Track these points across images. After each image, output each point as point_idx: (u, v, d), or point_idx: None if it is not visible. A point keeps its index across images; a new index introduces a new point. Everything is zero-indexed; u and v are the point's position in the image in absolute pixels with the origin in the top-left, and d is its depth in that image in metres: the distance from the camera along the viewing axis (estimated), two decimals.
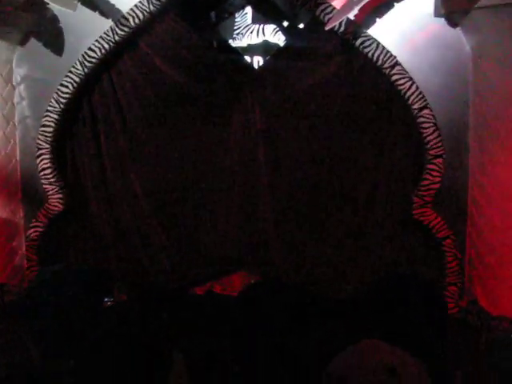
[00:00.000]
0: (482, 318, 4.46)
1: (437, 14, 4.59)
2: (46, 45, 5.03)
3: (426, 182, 4.80)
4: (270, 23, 6.21)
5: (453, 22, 4.58)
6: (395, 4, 4.64)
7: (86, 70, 5.00)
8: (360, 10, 4.40)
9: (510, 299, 4.41)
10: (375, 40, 4.71)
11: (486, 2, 4.10)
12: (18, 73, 5.05)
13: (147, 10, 4.87)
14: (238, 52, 5.58)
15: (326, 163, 5.17)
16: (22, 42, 5.01)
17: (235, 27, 6.34)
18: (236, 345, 1.97)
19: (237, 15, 6.31)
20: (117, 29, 4.92)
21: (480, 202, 4.58)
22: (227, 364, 2.25)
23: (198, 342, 2.37)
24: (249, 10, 6.26)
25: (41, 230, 5.20)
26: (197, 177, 5.36)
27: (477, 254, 4.64)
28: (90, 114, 5.25)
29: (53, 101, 5.03)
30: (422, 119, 4.71)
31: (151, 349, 1.74)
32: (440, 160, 4.74)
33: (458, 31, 4.60)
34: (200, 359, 2.37)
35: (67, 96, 5.03)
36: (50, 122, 5.06)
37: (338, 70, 4.96)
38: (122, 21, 4.90)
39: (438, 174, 4.77)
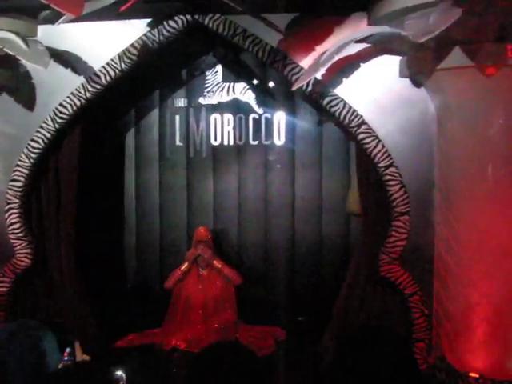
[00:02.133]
0: (449, 375, 4.45)
1: (402, 75, 4.67)
2: (17, 100, 5.04)
3: (392, 239, 4.82)
4: (240, 81, 6.30)
5: (417, 83, 4.67)
6: (361, 64, 4.74)
7: (56, 125, 5.01)
8: (327, 70, 4.46)
9: (476, 356, 4.40)
10: (342, 99, 4.78)
11: (449, 64, 4.18)
12: None
13: (119, 68, 4.91)
14: None
15: None
16: None
17: (206, 85, 6.41)
18: None
19: (208, 73, 6.39)
20: (88, 86, 4.95)
21: (445, 258, 4.59)
22: None
23: None
24: (219, 68, 6.34)
25: (7, 285, 5.12)
26: None
27: (443, 310, 4.64)
28: (55, 169, 5.27)
29: (23, 155, 5.02)
30: (388, 177, 4.75)
31: None
32: (406, 217, 4.77)
33: (423, 91, 4.68)
34: None
35: (37, 151, 5.03)
36: (19, 176, 5.04)
37: None
38: (94, 78, 4.94)
39: (404, 230, 4.79)
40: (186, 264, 6.16)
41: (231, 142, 6.62)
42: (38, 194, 5.33)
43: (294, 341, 5.94)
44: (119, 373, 2.40)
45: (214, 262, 6.14)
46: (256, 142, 6.60)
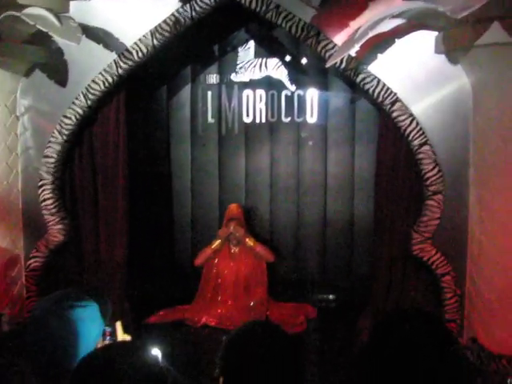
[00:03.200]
0: (481, 356, 4.40)
1: (437, 51, 4.59)
2: (50, 76, 5.04)
3: (425, 218, 4.77)
4: (272, 58, 6.26)
5: (453, 59, 4.58)
6: (396, 41, 4.66)
7: (89, 102, 5.00)
8: (361, 47, 4.38)
9: (509, 337, 4.36)
10: (376, 77, 4.71)
11: (486, 41, 4.09)
12: (22, 104, 5.05)
13: (151, 44, 4.89)
14: None
15: None
16: (27, 74, 5.03)
17: (238, 61, 6.37)
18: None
19: (240, 49, 6.35)
20: (120, 62, 4.94)
21: (480, 238, 4.53)
22: None
23: None
24: (252, 44, 6.30)
25: (41, 260, 5.17)
26: None
27: (477, 291, 4.58)
28: (89, 146, 5.29)
29: (55, 132, 5.03)
30: (421, 155, 4.69)
31: None
32: (440, 196, 4.71)
33: (459, 68, 4.59)
34: None
35: (70, 128, 5.02)
36: (52, 152, 5.06)
37: None
38: (126, 54, 4.92)
39: (437, 210, 4.73)
40: (217, 242, 6.16)
41: (263, 120, 6.60)
42: (72, 170, 5.35)
43: (324, 319, 5.94)
44: (156, 351, 2.41)
45: (247, 239, 6.14)
46: (288, 120, 6.58)
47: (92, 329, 2.24)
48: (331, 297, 6.40)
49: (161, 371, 1.77)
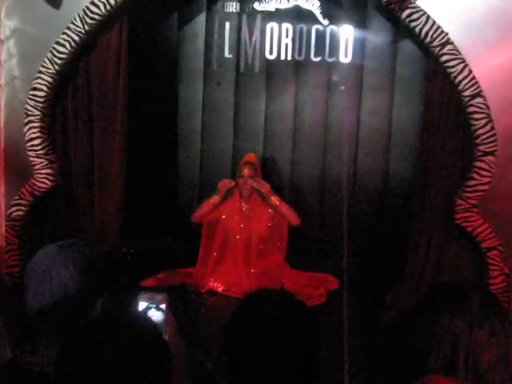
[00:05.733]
0: None
1: None
2: None
3: (472, 183, 4.69)
4: None
5: None
6: None
7: (86, 27, 4.91)
8: None
9: None
10: (425, 13, 4.59)
11: None
12: (8, 26, 4.97)
13: None
14: None
15: None
16: None
17: None
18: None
19: None
20: None
21: None
22: None
23: None
24: None
25: (24, 208, 5.15)
26: None
27: None
28: (86, 79, 5.21)
29: (46, 61, 4.96)
30: (472, 109, 4.59)
31: None
32: (491, 158, 4.63)
33: None
34: None
35: (63, 56, 4.96)
36: (41, 84, 4.99)
37: None
38: None
39: (487, 173, 4.65)
40: (216, 196, 6.11)
41: (289, 57, 6.43)
42: (64, 105, 5.29)
43: (348, 292, 5.88)
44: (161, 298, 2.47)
45: (272, 198, 6.06)
46: (318, 59, 6.41)
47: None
48: (356, 267, 6.33)
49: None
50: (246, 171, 6.00)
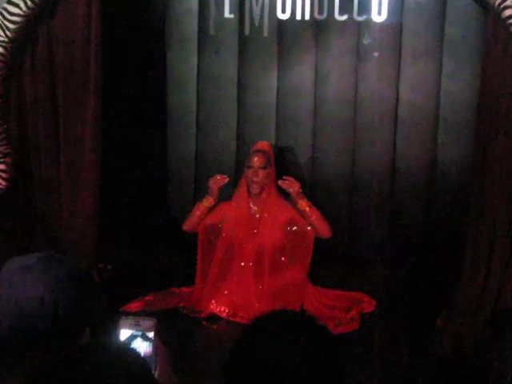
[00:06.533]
0: None
1: None
2: None
3: None
4: None
5: None
6: None
7: None
8: None
9: None
10: None
11: None
12: None
13: None
14: None
15: None
16: None
17: None
18: None
19: None
20: None
21: None
22: None
23: None
24: None
25: None
26: None
27: None
28: (47, 50, 5.17)
29: None
30: None
31: None
32: None
33: None
34: None
35: (17, 20, 4.96)
36: None
37: None
38: None
39: None
40: (209, 197, 6.07)
41: (306, 16, 6.36)
42: (20, 82, 5.31)
43: (387, 315, 5.84)
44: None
45: (301, 201, 5.95)
46: (344, 17, 6.33)
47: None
48: (397, 283, 6.29)
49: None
50: (256, 160, 5.91)
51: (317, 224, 5.99)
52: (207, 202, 6.05)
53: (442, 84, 6.37)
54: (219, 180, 6.01)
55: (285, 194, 6.04)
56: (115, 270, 5.89)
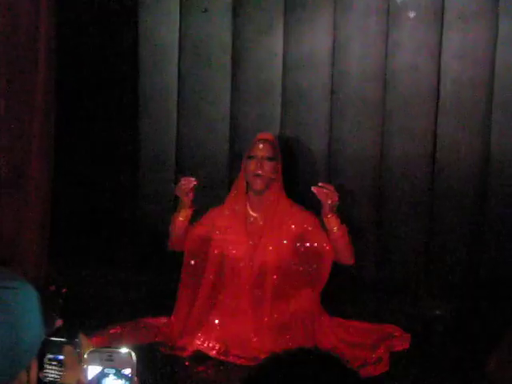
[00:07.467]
0: None
1: None
2: None
3: None
4: None
5: None
6: None
7: None
8: None
9: None
10: None
11: None
12: None
13: None
14: None
15: None
16: None
17: None
18: None
19: None
20: None
21: None
22: None
23: None
24: None
25: None
26: None
27: None
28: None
29: None
30: None
31: None
32: None
33: None
34: None
35: None
36: None
37: None
38: None
39: None
40: (181, 209, 5.96)
41: None
42: None
43: (424, 354, 5.81)
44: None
45: (331, 216, 5.72)
46: None
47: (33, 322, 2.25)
48: (439, 312, 6.30)
49: None
50: (262, 147, 5.85)
51: (342, 250, 5.84)
52: (183, 214, 5.95)
53: (496, 53, 6.35)
54: (184, 186, 5.82)
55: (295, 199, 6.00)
56: (71, 294, 5.88)
